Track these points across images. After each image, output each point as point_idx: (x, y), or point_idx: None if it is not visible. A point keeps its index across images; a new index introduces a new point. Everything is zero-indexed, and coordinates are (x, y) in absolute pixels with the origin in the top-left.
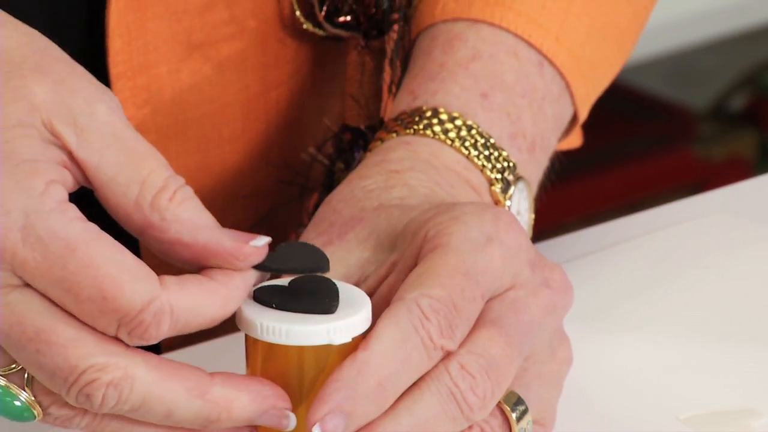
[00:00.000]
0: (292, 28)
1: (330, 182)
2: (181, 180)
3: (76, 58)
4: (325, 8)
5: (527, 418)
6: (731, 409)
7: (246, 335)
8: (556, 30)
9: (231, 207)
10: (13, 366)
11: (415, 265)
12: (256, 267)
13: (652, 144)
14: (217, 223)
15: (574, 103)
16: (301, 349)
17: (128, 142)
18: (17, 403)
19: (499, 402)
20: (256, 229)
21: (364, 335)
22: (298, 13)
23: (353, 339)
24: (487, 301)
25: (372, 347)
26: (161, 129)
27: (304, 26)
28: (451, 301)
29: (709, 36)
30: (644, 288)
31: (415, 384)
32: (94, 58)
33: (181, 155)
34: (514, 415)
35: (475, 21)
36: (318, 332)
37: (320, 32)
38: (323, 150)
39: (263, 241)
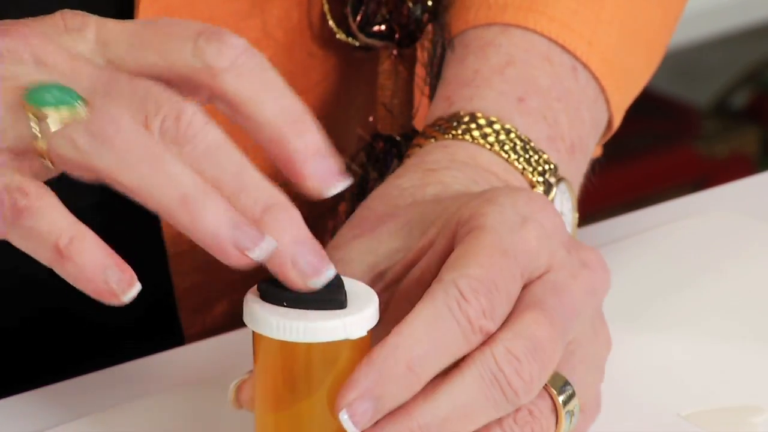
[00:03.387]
0: (320, 37)
1: (362, 191)
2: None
3: None
4: (359, 18)
5: (574, 402)
6: (732, 405)
7: (254, 334)
8: (589, 35)
9: None
10: None
11: (449, 248)
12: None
13: (655, 141)
14: None
15: (609, 109)
16: (317, 346)
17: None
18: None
19: (546, 385)
20: None
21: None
22: (331, 23)
23: (368, 332)
24: (527, 285)
25: (402, 330)
26: None
27: (338, 36)
28: (491, 280)
29: (711, 33)
30: (645, 285)
31: (456, 367)
32: None
33: None
34: (561, 399)
35: (508, 26)
36: (335, 328)
37: (353, 42)
38: (357, 159)
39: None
